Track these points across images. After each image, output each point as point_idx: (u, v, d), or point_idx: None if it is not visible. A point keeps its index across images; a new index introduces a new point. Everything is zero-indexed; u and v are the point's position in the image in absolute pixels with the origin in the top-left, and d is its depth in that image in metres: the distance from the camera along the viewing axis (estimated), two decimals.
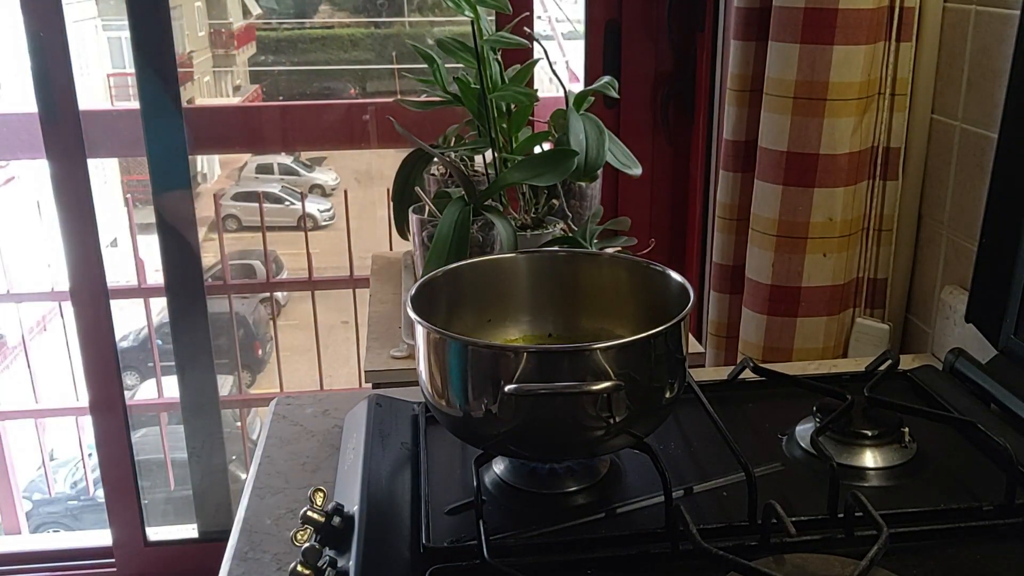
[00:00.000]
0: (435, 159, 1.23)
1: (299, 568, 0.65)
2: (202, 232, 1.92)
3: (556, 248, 1.01)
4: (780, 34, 1.12)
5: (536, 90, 1.12)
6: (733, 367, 0.92)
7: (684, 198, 1.79)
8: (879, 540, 0.59)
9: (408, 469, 0.78)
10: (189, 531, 2.08)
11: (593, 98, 1.11)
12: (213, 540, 2.04)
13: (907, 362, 1.01)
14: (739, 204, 1.30)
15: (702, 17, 1.64)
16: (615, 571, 0.65)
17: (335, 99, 3.78)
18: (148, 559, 2.03)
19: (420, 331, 0.70)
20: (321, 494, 0.72)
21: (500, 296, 0.84)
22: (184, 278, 1.83)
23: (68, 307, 1.88)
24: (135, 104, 1.71)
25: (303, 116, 1.93)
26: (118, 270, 2.50)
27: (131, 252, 2.27)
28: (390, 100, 1.97)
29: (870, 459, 0.77)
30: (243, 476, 2.83)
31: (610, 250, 1.04)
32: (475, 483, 0.70)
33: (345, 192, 2.35)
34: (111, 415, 1.91)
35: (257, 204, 2.71)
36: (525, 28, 1.14)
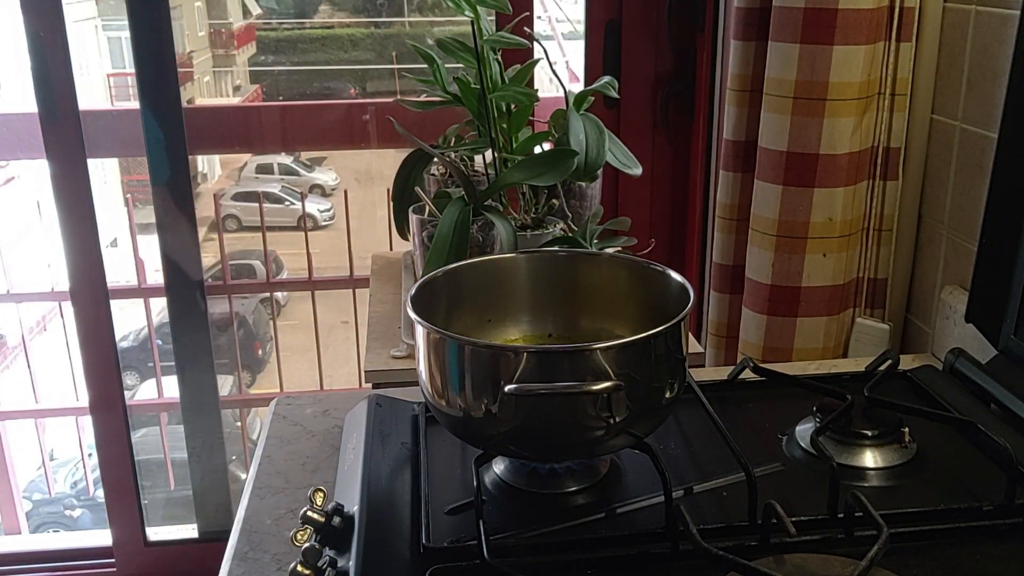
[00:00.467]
0: (435, 159, 1.23)
1: (299, 568, 0.65)
2: (202, 232, 1.92)
3: (556, 248, 1.01)
4: (780, 34, 1.12)
5: (536, 90, 1.12)
6: (733, 367, 0.92)
7: (684, 198, 1.79)
8: (879, 540, 0.59)
9: (408, 469, 0.78)
10: (189, 531, 2.08)
11: (593, 98, 1.11)
12: (213, 540, 2.04)
13: (907, 362, 1.01)
14: (739, 204, 1.30)
15: (702, 17, 1.64)
16: (615, 571, 0.65)
17: (335, 99, 3.78)
18: (148, 559, 2.03)
19: (420, 331, 0.70)
20: (321, 494, 0.72)
21: (500, 296, 0.84)
22: (184, 278, 1.83)
23: (68, 307, 1.88)
24: (135, 104, 1.71)
25: (303, 116, 1.93)
26: (118, 270, 2.50)
27: (131, 252, 2.27)
28: (390, 100, 1.97)
29: (870, 459, 0.77)
30: (243, 476, 2.83)
31: (610, 250, 1.04)
32: (475, 483, 0.70)
33: (345, 192, 2.35)
34: (111, 415, 1.91)
35: (257, 204, 2.71)
36: (525, 28, 1.14)
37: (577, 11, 1.74)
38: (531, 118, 1.17)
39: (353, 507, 0.70)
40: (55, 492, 4.22)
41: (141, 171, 2.02)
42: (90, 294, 1.82)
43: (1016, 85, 0.86)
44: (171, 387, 2.25)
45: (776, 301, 1.18)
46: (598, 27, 1.70)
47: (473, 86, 1.10)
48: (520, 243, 1.02)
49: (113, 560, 2.01)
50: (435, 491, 0.74)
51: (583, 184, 1.18)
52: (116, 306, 1.87)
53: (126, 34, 1.67)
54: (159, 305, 2.24)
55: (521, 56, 1.19)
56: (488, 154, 1.15)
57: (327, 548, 0.68)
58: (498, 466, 0.77)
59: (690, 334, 0.96)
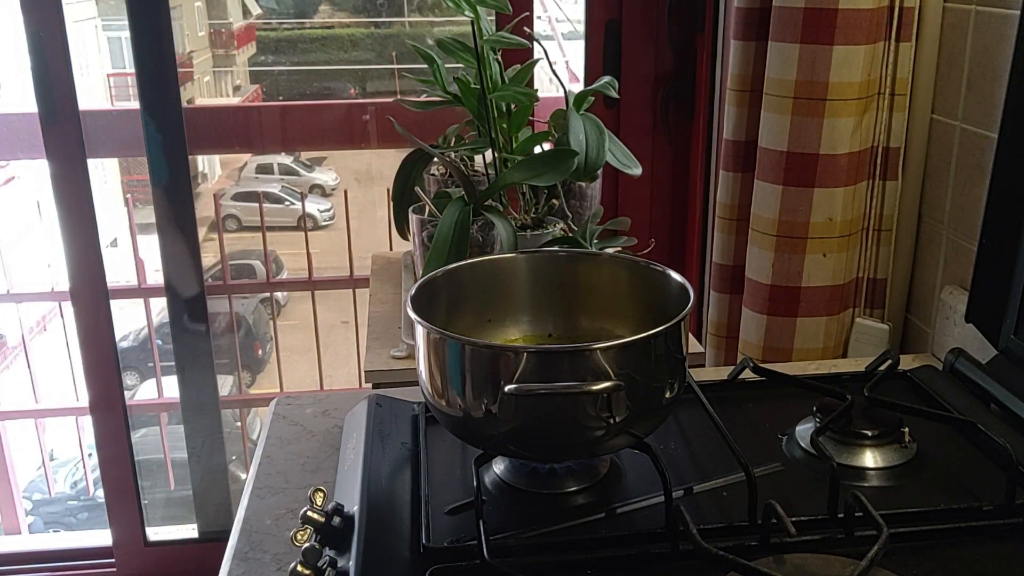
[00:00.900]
0: (435, 159, 1.23)
1: (299, 568, 0.65)
2: (202, 232, 1.92)
3: (556, 248, 1.01)
4: (780, 34, 1.12)
5: (536, 90, 1.12)
6: (733, 367, 0.92)
7: (684, 198, 1.79)
8: (879, 540, 0.59)
9: (408, 469, 0.78)
10: (189, 531, 2.08)
11: (593, 98, 1.11)
12: (213, 540, 2.04)
13: (907, 362, 1.01)
14: (739, 204, 1.30)
15: (702, 17, 1.64)
16: (615, 571, 0.65)
17: (335, 99, 3.78)
18: (148, 559, 2.03)
19: (420, 331, 0.70)
20: (321, 494, 0.72)
21: (500, 296, 0.84)
22: (184, 278, 1.83)
23: (68, 307, 1.88)
24: (135, 104, 1.71)
25: (303, 116, 1.93)
26: (118, 270, 2.50)
27: (131, 252, 2.27)
28: (390, 100, 1.97)
29: (870, 459, 0.77)
30: (243, 476, 2.83)
31: (610, 250, 1.04)
32: (475, 483, 0.70)
33: (345, 192, 2.35)
34: (111, 415, 1.91)
35: (257, 204, 2.71)
36: (525, 28, 1.14)
37: (577, 11, 1.74)
38: (531, 118, 1.17)
39: (353, 507, 0.70)
40: (55, 492, 4.23)
41: (141, 171, 2.02)
42: (90, 294, 1.82)
43: (1016, 85, 0.86)
44: (171, 387, 2.25)
45: (776, 301, 1.18)
46: (598, 27, 1.70)
47: (473, 86, 1.10)
48: (520, 243, 1.02)
49: (113, 560, 2.01)
50: (435, 491, 0.74)
51: (583, 184, 1.18)
52: (116, 306, 1.87)
53: (126, 34, 1.67)
54: (159, 305, 2.24)
55: (521, 56, 1.19)
56: (488, 154, 1.15)
57: (327, 548, 0.68)
58: (498, 466, 0.77)
59: (690, 334, 0.95)
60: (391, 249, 1.86)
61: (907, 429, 0.79)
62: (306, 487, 0.82)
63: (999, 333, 0.89)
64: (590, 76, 1.73)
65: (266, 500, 0.82)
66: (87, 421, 1.98)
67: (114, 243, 3.05)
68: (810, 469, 0.77)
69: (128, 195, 2.89)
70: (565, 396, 0.65)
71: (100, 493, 2.09)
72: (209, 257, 2.83)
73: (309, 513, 0.69)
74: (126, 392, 1.93)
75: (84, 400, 1.93)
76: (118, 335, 1.90)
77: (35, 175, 4.55)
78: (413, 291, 0.75)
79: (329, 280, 2.34)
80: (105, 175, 4.71)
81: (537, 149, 1.15)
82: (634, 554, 0.66)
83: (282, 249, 3.78)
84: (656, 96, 1.73)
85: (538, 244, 1.07)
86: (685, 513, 0.63)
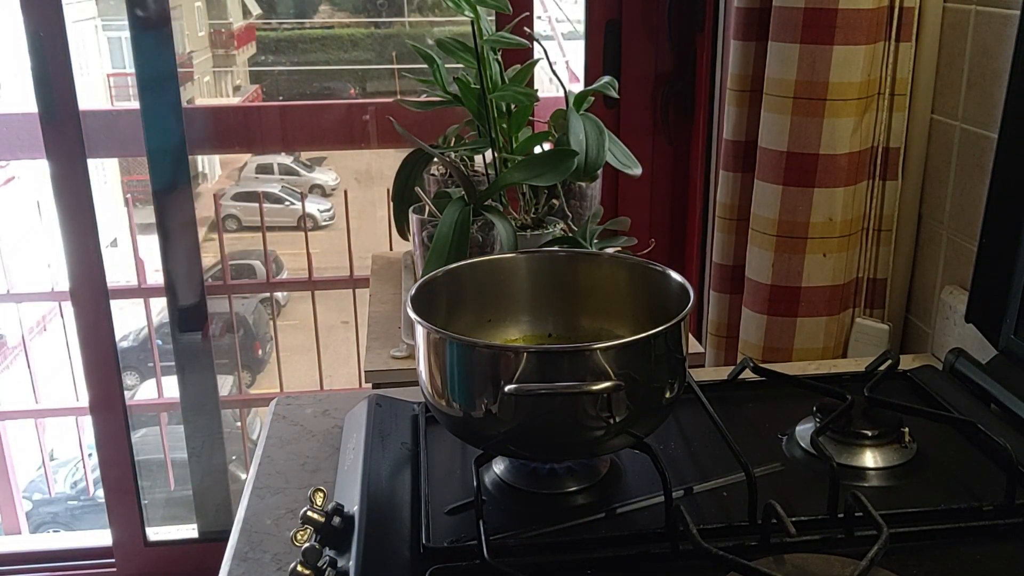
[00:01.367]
0: (435, 159, 1.23)
1: (299, 568, 0.65)
2: (202, 232, 1.92)
3: (556, 248, 1.01)
4: (780, 34, 1.12)
5: (536, 90, 1.12)
6: (733, 367, 0.92)
7: (684, 198, 1.79)
8: (879, 540, 0.59)
9: (408, 469, 0.78)
10: (189, 531, 2.08)
11: (593, 98, 1.11)
12: (213, 540, 2.04)
13: (907, 362, 1.01)
14: (739, 204, 1.30)
15: (702, 17, 1.64)
16: (615, 571, 0.65)
17: (335, 99, 3.78)
18: (148, 559, 2.03)
19: (420, 331, 0.70)
20: (321, 494, 0.72)
21: (500, 296, 0.84)
22: (184, 278, 1.83)
23: (68, 307, 1.88)
24: (135, 104, 1.71)
25: (303, 116, 1.93)
26: (118, 270, 2.50)
27: (131, 252, 2.27)
28: (390, 100, 1.97)
29: (870, 459, 0.77)
30: (243, 476, 2.83)
31: (610, 250, 1.04)
32: (475, 483, 0.70)
33: (345, 192, 2.35)
34: (111, 415, 1.91)
35: (257, 204, 2.71)
36: (525, 28, 1.14)
37: (577, 11, 1.74)
38: (531, 118, 1.17)
39: (353, 507, 0.70)
40: (55, 492, 4.22)
41: (141, 171, 2.02)
42: (90, 294, 1.82)
43: (1016, 85, 0.86)
44: (171, 387, 2.25)
45: (776, 301, 1.18)
46: (598, 27, 1.70)
47: (473, 86, 1.10)
48: (520, 243, 1.02)
49: (113, 560, 2.01)
50: (435, 491, 0.74)
51: (583, 184, 1.18)
52: (116, 306, 1.87)
53: (126, 34, 1.67)
54: (159, 305, 2.24)
55: (521, 56, 1.19)
56: (488, 154, 1.15)
57: (327, 548, 0.68)
58: (498, 466, 0.77)
59: (690, 334, 0.95)
60: (391, 249, 1.86)
61: (907, 429, 0.79)
62: (306, 487, 0.82)
63: (999, 333, 0.89)
64: (590, 76, 1.72)
65: (266, 500, 0.82)
66: (87, 421, 1.98)
67: (114, 243, 3.05)
68: (810, 469, 0.77)
69: (128, 195, 2.89)
70: (565, 396, 0.65)
71: (100, 493, 2.09)
72: (209, 257, 2.83)
73: (309, 513, 0.69)
74: (126, 392, 1.93)
75: (84, 400, 1.93)
76: (118, 335, 1.90)
77: (35, 175, 4.55)
78: (413, 291, 0.75)
79: (329, 280, 2.34)
80: (105, 175, 4.71)
81: (537, 149, 1.15)
82: (634, 554, 0.66)
83: (282, 249, 3.78)
84: (656, 96, 1.73)
85: (538, 244, 1.07)
86: (685, 513, 0.63)
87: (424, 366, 0.71)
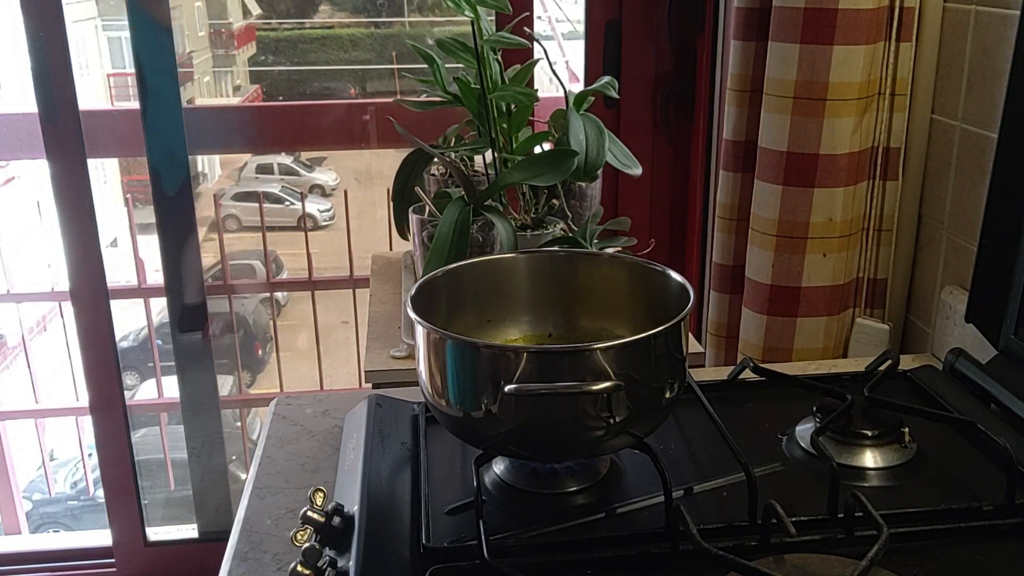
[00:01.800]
0: (435, 159, 1.23)
1: (299, 568, 0.65)
2: (202, 232, 1.92)
3: (556, 248, 1.01)
4: (780, 34, 1.12)
5: (536, 90, 1.12)
6: (733, 367, 0.92)
7: (684, 198, 1.79)
8: (879, 540, 0.59)
9: (408, 469, 0.78)
10: (189, 531, 2.08)
11: (593, 98, 1.11)
12: (213, 540, 2.04)
13: (907, 362, 1.01)
14: (739, 204, 1.30)
15: (702, 17, 1.64)
16: (615, 571, 0.65)
17: (335, 99, 3.78)
18: (148, 559, 2.03)
19: (420, 331, 0.70)
20: (321, 494, 0.72)
21: (500, 296, 0.84)
22: (184, 278, 1.83)
23: (68, 307, 1.88)
24: (135, 104, 1.71)
25: (303, 116, 1.93)
26: (118, 270, 2.50)
27: (131, 252, 2.27)
28: (390, 100, 1.97)
29: (870, 459, 0.77)
30: (243, 476, 2.83)
31: (610, 250, 1.04)
32: (475, 483, 0.70)
33: (345, 192, 2.35)
34: (111, 415, 1.91)
35: (257, 204, 2.71)
36: (525, 28, 1.14)
37: (577, 11, 1.74)
38: (531, 118, 1.17)
39: (353, 507, 0.70)
40: (55, 492, 4.22)
41: (141, 171, 2.01)
42: (90, 294, 1.82)
43: (1016, 85, 0.86)
44: (171, 387, 2.25)
45: (776, 301, 1.18)
46: (598, 27, 1.70)
47: (473, 86, 1.10)
48: (520, 243, 1.02)
49: (113, 560, 2.01)
50: (435, 491, 0.74)
51: (583, 184, 1.18)
52: (116, 306, 1.87)
53: (126, 34, 1.66)
54: (159, 305, 2.24)
55: (521, 56, 1.19)
56: (488, 154, 1.15)
57: (327, 548, 0.68)
58: (498, 466, 0.77)
59: (690, 334, 0.95)
60: (391, 249, 1.86)
61: (907, 429, 0.79)
62: (306, 487, 0.82)
63: (999, 333, 0.89)
64: (590, 76, 1.72)
65: (266, 500, 0.82)
66: (87, 421, 1.98)
67: (114, 243, 3.05)
68: (810, 469, 0.77)
69: (128, 195, 2.88)
70: (565, 396, 0.65)
71: (100, 493, 2.09)
72: (209, 257, 2.83)
73: (309, 513, 0.69)
74: (126, 392, 1.93)
75: (84, 400, 1.93)
76: (118, 335, 1.90)
77: (35, 175, 4.55)
78: (413, 291, 0.75)
79: (329, 280, 2.34)
80: (105, 175, 4.71)
81: (537, 149, 1.15)
82: (634, 554, 0.66)
83: (282, 249, 3.78)
84: (656, 96, 1.73)
85: (538, 244, 1.07)
86: (685, 513, 0.63)
87: (424, 366, 0.71)
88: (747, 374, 0.90)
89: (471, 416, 0.69)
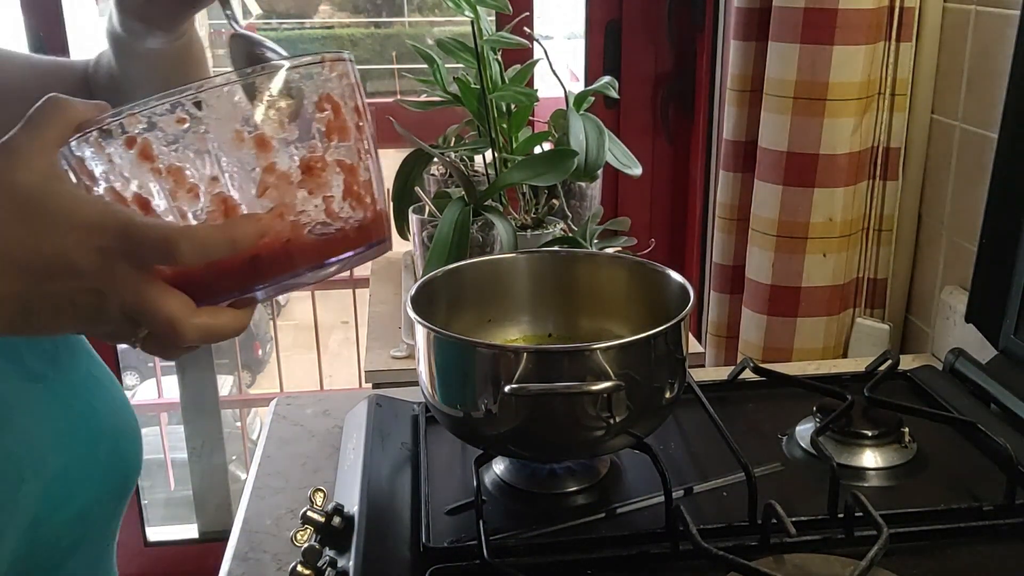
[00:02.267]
0: (435, 159, 1.23)
1: (299, 568, 0.65)
2: None
3: (556, 248, 1.02)
4: (780, 34, 1.12)
5: (536, 90, 1.12)
6: (733, 367, 0.92)
7: (684, 198, 1.79)
8: (879, 540, 0.59)
9: (408, 469, 0.78)
10: (189, 531, 2.08)
11: (593, 98, 1.11)
12: (213, 540, 2.04)
13: (907, 362, 1.01)
14: (739, 204, 1.30)
15: (702, 17, 1.64)
16: (615, 571, 0.65)
17: None
18: (148, 559, 2.03)
19: (420, 331, 0.70)
20: (321, 494, 0.72)
21: (500, 296, 0.84)
22: None
23: None
24: None
25: None
26: None
27: None
28: (390, 100, 1.96)
29: (870, 459, 0.77)
30: (243, 476, 2.83)
31: (610, 250, 1.04)
32: (475, 483, 0.70)
33: None
34: None
35: None
36: (525, 28, 1.14)
37: (577, 11, 1.74)
38: (531, 118, 1.17)
39: (353, 507, 0.70)
40: None
41: None
42: None
43: (1016, 85, 0.86)
44: (171, 387, 2.25)
45: (776, 301, 1.18)
46: (598, 27, 1.70)
47: (473, 86, 1.10)
48: (520, 243, 1.02)
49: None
50: (435, 491, 0.74)
51: (583, 184, 1.18)
52: None
53: None
54: None
55: (521, 56, 1.19)
56: (488, 154, 1.15)
57: (327, 548, 0.68)
58: (498, 466, 0.77)
59: (690, 334, 0.96)
60: (391, 249, 1.86)
61: (907, 429, 0.79)
62: (306, 487, 0.82)
63: (999, 333, 0.89)
64: (590, 76, 1.72)
65: (266, 500, 0.82)
66: None
67: None
68: (810, 469, 0.77)
69: None
70: (565, 396, 0.65)
71: None
72: None
73: (309, 513, 0.69)
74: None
75: None
76: None
77: None
78: (413, 291, 0.75)
79: (329, 280, 2.34)
80: None
81: (537, 149, 1.15)
82: (634, 554, 0.66)
83: None
84: (656, 96, 1.73)
85: (538, 244, 1.07)
86: (685, 513, 0.63)
87: (424, 366, 0.71)
88: (747, 374, 0.90)
89: (471, 416, 0.69)
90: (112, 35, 0.67)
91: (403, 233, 1.23)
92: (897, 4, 1.09)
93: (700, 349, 1.37)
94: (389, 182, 1.22)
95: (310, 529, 0.69)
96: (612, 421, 0.67)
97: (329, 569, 0.65)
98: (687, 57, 1.69)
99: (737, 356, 1.30)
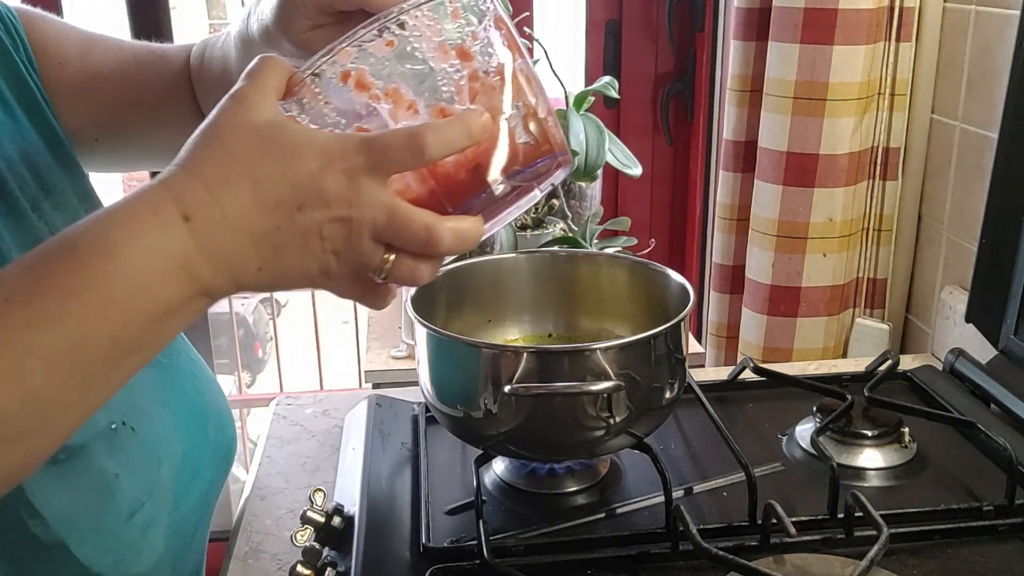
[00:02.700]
0: None
1: (299, 568, 0.65)
2: None
3: (556, 248, 1.02)
4: (780, 34, 1.12)
5: None
6: (733, 367, 0.92)
7: (684, 198, 1.79)
8: (879, 540, 0.59)
9: (408, 469, 0.78)
10: None
11: (593, 98, 1.11)
12: (213, 540, 2.04)
13: (907, 362, 1.01)
14: (739, 204, 1.30)
15: (702, 17, 1.64)
16: (615, 571, 0.65)
17: None
18: None
19: (420, 331, 0.70)
20: (321, 494, 0.72)
21: (500, 296, 0.84)
22: None
23: None
24: None
25: None
26: None
27: None
28: None
29: (870, 459, 0.77)
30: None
31: (610, 250, 1.04)
32: (475, 483, 0.70)
33: None
34: None
35: None
36: (525, 28, 1.14)
37: (577, 11, 1.74)
38: None
39: (353, 507, 0.70)
40: None
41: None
42: None
43: (1016, 85, 0.86)
44: None
45: (776, 301, 1.18)
46: (598, 27, 1.70)
47: None
48: (520, 243, 1.02)
49: None
50: (435, 491, 0.74)
51: (583, 184, 1.18)
52: None
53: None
54: None
55: None
56: None
57: (327, 548, 0.68)
58: (498, 466, 0.77)
59: (690, 334, 0.95)
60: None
61: (907, 429, 0.79)
62: (306, 487, 0.82)
63: (999, 333, 0.89)
64: (590, 76, 1.72)
65: (266, 500, 0.82)
66: None
67: None
68: (810, 469, 0.77)
69: None
70: (565, 396, 0.65)
71: None
72: None
73: (309, 513, 0.69)
74: None
75: None
76: None
77: None
78: (413, 291, 0.75)
79: None
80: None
81: None
82: (634, 554, 0.66)
83: None
84: (656, 96, 1.73)
85: (538, 244, 1.07)
86: (685, 513, 0.63)
87: (424, 366, 0.71)
88: (747, 374, 0.90)
89: (471, 416, 0.68)
90: (244, 39, 0.66)
91: None
92: (897, 4, 1.09)
93: (700, 349, 1.37)
94: None
95: (310, 529, 0.69)
96: (612, 421, 0.67)
97: (329, 569, 0.65)
98: (687, 57, 1.69)
99: (737, 356, 1.30)
